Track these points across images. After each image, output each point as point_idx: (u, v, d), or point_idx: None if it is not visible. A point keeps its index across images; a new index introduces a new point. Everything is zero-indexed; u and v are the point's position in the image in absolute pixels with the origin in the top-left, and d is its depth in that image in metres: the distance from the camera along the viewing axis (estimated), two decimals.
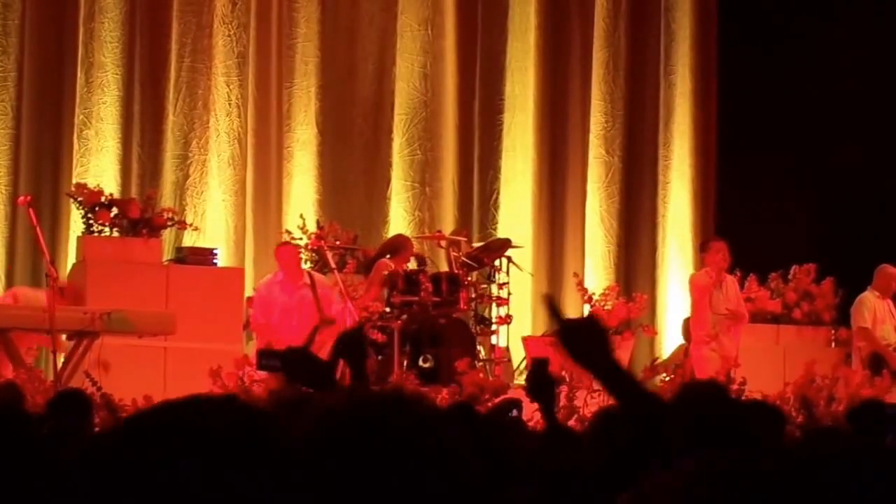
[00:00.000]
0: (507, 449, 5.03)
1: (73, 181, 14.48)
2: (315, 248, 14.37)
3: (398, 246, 14.58)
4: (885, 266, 14.04)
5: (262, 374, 10.33)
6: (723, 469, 1.91)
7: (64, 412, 6.70)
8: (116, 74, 15.46)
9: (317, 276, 13.28)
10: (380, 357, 12.94)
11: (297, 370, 4.01)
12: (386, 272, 13.84)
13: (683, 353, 15.56)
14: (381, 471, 2.06)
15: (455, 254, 14.75)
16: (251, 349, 12.67)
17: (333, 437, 2.09)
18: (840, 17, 16.49)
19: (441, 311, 13.65)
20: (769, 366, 13.28)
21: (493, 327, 14.88)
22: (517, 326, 15.34)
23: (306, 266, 14.27)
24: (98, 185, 13.74)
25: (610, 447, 3.56)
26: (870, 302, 13.88)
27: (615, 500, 2.19)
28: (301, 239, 14.65)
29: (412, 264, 14.54)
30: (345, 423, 2.11)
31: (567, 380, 11.91)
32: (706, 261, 13.55)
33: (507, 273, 14.89)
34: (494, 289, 14.83)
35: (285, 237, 14.85)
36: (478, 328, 14.52)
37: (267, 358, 11.26)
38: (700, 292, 13.38)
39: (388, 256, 14.25)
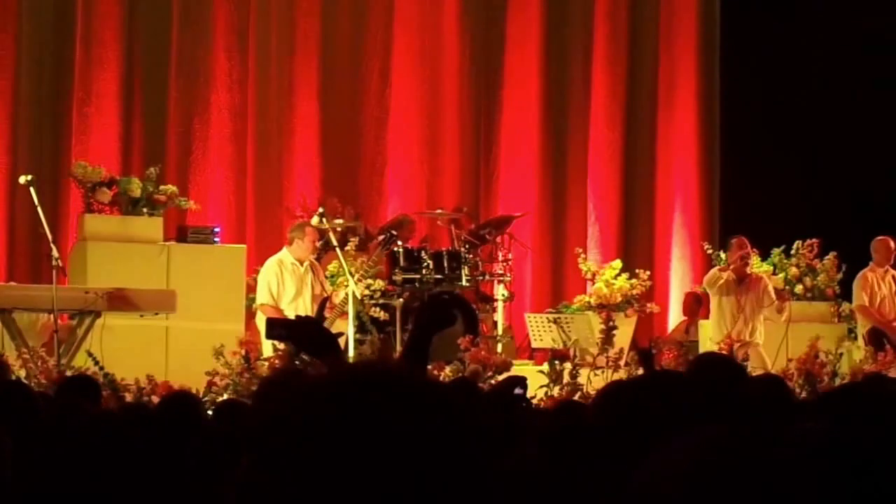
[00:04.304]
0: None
1: (74, 159, 14.41)
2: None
3: (395, 225, 14.55)
4: (878, 238, 14.03)
5: (267, 354, 10.32)
6: (729, 447, 1.88)
7: (73, 395, 6.70)
8: (116, 51, 15.38)
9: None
10: (381, 335, 12.91)
11: (304, 339, 3.98)
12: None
13: (685, 328, 15.57)
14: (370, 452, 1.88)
15: (457, 231, 14.71)
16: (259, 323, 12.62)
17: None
18: None
19: (443, 289, 13.61)
20: (772, 341, 13.25)
21: (496, 304, 14.85)
22: (519, 303, 15.31)
23: None
24: (99, 164, 13.68)
25: (617, 415, 3.56)
26: (868, 279, 13.86)
27: (622, 467, 2.14)
28: (302, 216, 14.62)
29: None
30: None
31: (571, 358, 11.90)
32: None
33: (510, 250, 14.86)
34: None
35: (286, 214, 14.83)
36: (480, 305, 14.49)
37: (275, 327, 11.23)
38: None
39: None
